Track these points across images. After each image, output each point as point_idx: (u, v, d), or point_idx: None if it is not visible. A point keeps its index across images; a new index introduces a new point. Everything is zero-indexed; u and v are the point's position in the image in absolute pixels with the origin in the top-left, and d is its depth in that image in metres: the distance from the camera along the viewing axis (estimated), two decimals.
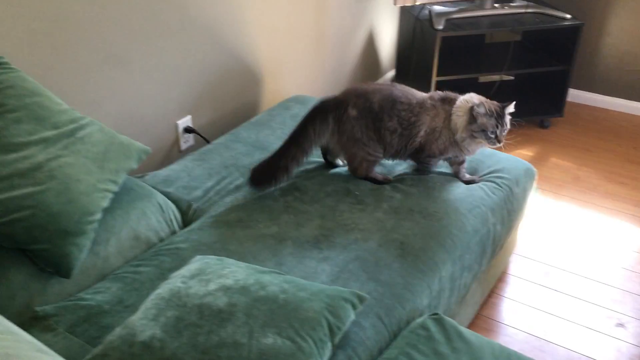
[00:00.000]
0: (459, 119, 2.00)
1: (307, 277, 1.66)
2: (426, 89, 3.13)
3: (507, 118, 2.00)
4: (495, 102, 2.00)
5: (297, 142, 2.00)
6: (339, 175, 2.14)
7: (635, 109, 3.72)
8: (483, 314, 2.27)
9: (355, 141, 2.05)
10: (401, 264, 1.74)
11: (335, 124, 2.04)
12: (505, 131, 1.99)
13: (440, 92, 2.09)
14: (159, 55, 2.24)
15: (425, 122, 2.04)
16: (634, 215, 2.80)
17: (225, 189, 2.06)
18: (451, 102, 2.04)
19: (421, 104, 2.05)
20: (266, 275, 1.49)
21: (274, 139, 2.35)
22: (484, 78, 3.87)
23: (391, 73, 3.96)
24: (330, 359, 1.40)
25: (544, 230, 2.71)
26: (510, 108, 2.00)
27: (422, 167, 2.15)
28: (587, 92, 3.84)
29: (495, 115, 1.95)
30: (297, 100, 2.69)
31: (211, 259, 1.56)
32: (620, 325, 2.21)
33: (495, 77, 3.79)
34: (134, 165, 1.79)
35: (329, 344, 1.37)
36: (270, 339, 1.29)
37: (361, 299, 1.51)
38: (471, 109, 1.96)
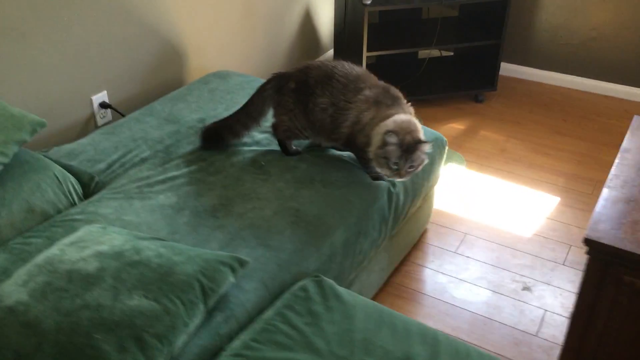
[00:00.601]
0: (376, 136, 1.87)
1: (198, 245, 1.68)
2: (359, 64, 3.15)
3: (419, 155, 1.85)
4: (414, 135, 1.84)
5: (246, 108, 2.13)
6: (249, 148, 2.16)
7: (568, 82, 3.78)
8: (395, 281, 2.32)
9: (288, 110, 2.07)
10: (293, 231, 1.77)
11: (276, 94, 2.09)
12: (414, 167, 1.86)
13: (383, 90, 1.99)
14: (65, 29, 2.22)
15: (354, 113, 1.96)
16: (553, 184, 2.87)
17: (131, 162, 2.07)
18: (384, 110, 1.93)
19: (358, 90, 1.96)
20: (146, 241, 1.51)
21: (188, 112, 2.36)
22: (423, 54, 3.90)
23: (331, 52, 3.97)
24: (205, 320, 1.43)
25: (463, 200, 2.76)
26: (426, 147, 1.86)
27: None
28: (522, 66, 3.89)
29: (404, 148, 1.81)
30: (218, 75, 2.70)
31: (94, 228, 1.57)
32: (527, 288, 2.28)
33: (435, 52, 3.83)
34: (27, 137, 1.79)
35: (201, 306, 1.39)
36: (135, 301, 1.31)
37: (242, 263, 1.54)
38: (384, 134, 1.82)
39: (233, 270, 1.50)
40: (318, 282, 1.57)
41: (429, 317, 2.16)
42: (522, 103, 3.63)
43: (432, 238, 2.54)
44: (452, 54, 4.01)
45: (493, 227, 2.60)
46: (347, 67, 2.04)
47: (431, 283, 2.31)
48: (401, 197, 2.07)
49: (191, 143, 2.17)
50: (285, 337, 1.40)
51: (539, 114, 3.52)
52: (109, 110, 2.51)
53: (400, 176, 1.85)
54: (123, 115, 2.51)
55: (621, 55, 3.56)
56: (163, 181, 1.96)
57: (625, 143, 1.97)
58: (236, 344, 1.39)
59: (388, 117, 1.89)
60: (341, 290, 1.56)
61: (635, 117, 2.12)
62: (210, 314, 1.46)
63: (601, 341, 1.66)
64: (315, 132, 2.07)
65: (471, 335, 2.09)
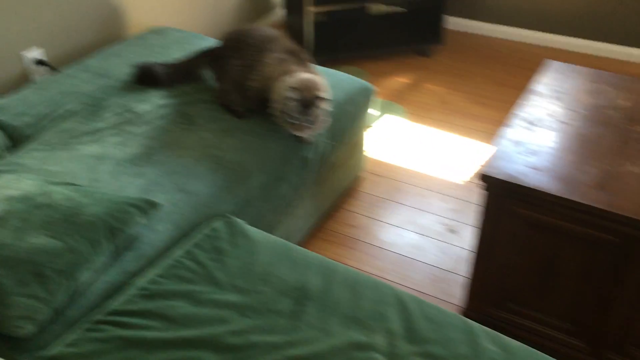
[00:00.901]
0: (278, 91, 1.94)
1: (117, 191, 1.74)
2: (308, 20, 3.18)
3: (318, 110, 1.90)
4: (314, 92, 1.89)
5: (187, 60, 2.27)
6: (178, 100, 2.20)
7: (514, 35, 3.84)
8: (326, 226, 2.40)
9: (219, 76, 2.14)
10: (211, 176, 1.84)
11: (213, 61, 2.20)
12: (313, 123, 1.91)
13: (293, 52, 2.06)
14: None
15: (262, 72, 2.03)
16: (488, 133, 2.96)
17: (60, 116, 2.11)
18: (290, 68, 1.99)
19: (267, 50, 2.04)
20: (58, 186, 1.57)
21: (122, 67, 2.39)
22: (376, 9, 3.92)
23: (280, 9, 3.98)
24: (114, 259, 1.50)
25: (400, 150, 2.84)
26: (325, 104, 1.91)
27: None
28: (470, 20, 3.94)
29: (303, 103, 1.87)
30: (156, 31, 2.71)
31: (11, 176, 1.63)
32: (452, 231, 2.38)
33: (384, 8, 3.85)
34: None
35: (107, 245, 1.47)
36: (38, 240, 1.38)
37: (153, 205, 1.61)
38: (286, 89, 1.89)
39: (143, 212, 1.57)
40: (228, 222, 1.65)
41: (356, 259, 2.26)
42: (468, 56, 3.69)
43: (366, 186, 2.62)
44: (405, 10, 4.03)
45: (426, 175, 2.68)
46: (261, 31, 2.12)
47: (361, 228, 2.40)
48: (325, 144, 2.13)
49: (122, 97, 2.21)
50: (189, 272, 1.48)
51: (483, 66, 3.58)
52: (45, 68, 2.52)
53: (300, 130, 1.90)
54: (58, 71, 2.53)
55: (565, 6, 3.61)
56: (89, 133, 2.01)
57: (535, 85, 2.05)
58: (142, 279, 1.47)
59: (292, 73, 1.96)
60: (249, 229, 1.64)
61: (548, 62, 2.20)
62: (120, 253, 1.53)
63: (503, 272, 1.77)
64: (236, 93, 2.12)
65: (394, 274, 2.19)
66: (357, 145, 2.50)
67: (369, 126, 3.03)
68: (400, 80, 3.45)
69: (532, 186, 1.58)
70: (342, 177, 2.44)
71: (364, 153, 2.61)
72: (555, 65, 2.16)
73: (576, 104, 1.93)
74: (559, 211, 1.59)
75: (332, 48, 3.51)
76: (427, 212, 2.48)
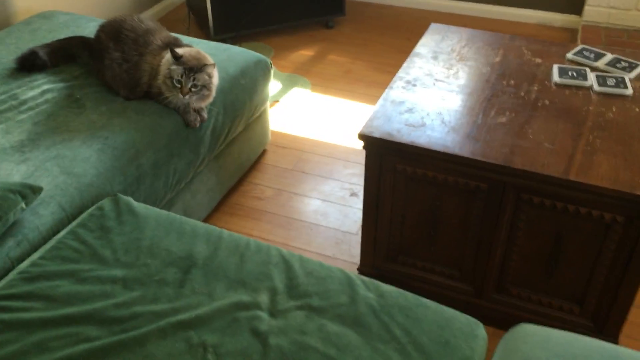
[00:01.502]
0: (164, 64, 1.96)
1: (1, 179, 1.70)
2: None
3: (204, 76, 1.91)
4: (201, 60, 1.92)
5: (63, 43, 2.26)
6: (66, 83, 2.15)
7: (415, 3, 3.94)
8: (232, 201, 2.43)
9: (103, 66, 2.10)
10: (99, 157, 1.82)
11: (88, 45, 2.21)
12: (197, 87, 1.91)
13: (174, 39, 2.08)
14: None
15: (147, 64, 2.02)
16: None
17: None
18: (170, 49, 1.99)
19: (148, 44, 2.03)
20: None
21: (5, 54, 2.31)
22: None
23: None
24: None
25: (304, 121, 2.89)
26: (211, 69, 1.93)
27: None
28: None
29: (187, 67, 1.88)
30: (43, 16, 2.63)
31: None
32: (354, 194, 2.46)
33: None
34: None
35: None
36: None
37: (34, 190, 1.58)
38: (171, 53, 1.90)
39: (24, 197, 1.55)
40: (115, 201, 1.65)
41: (262, 230, 2.29)
42: (371, 26, 3.76)
43: (270, 158, 2.66)
44: None
45: (329, 143, 2.74)
46: (137, 20, 2.10)
47: (267, 200, 2.44)
48: (220, 118, 2.15)
49: (5, 84, 2.14)
50: (73, 252, 1.47)
51: (386, 35, 3.66)
52: None
53: (184, 94, 1.90)
54: None
55: None
56: None
57: (417, 47, 2.12)
58: (24, 263, 1.45)
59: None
60: (138, 205, 1.64)
61: (432, 25, 2.28)
62: (1, 239, 1.51)
63: (390, 227, 1.85)
64: (117, 87, 2.09)
65: (298, 241, 2.24)
66: (260, 119, 2.52)
67: (276, 101, 3.06)
68: (304, 53, 3.48)
69: (407, 142, 1.66)
70: (245, 152, 2.46)
71: (269, 127, 2.64)
72: (437, 27, 2.25)
73: (452, 62, 2.02)
74: (434, 164, 1.67)
75: (234, 25, 3.50)
76: (330, 178, 2.55)
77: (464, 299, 1.86)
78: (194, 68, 1.89)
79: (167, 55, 1.95)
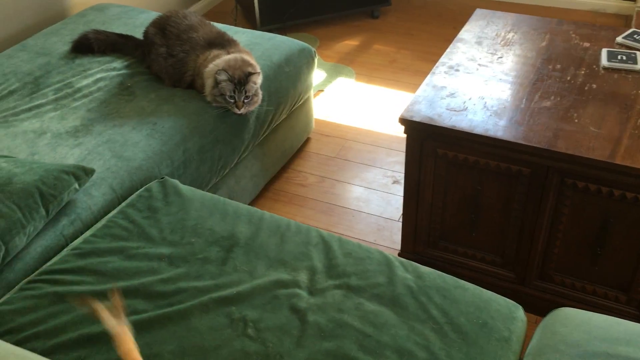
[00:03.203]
0: (207, 81, 2.03)
1: (55, 162, 1.79)
2: None
3: (252, 86, 1.98)
4: (244, 69, 1.98)
5: (119, 38, 2.37)
6: (117, 72, 2.24)
7: None
8: (275, 187, 2.47)
9: (156, 56, 2.19)
10: (148, 141, 1.89)
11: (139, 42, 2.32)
12: (249, 99, 1.98)
13: (217, 35, 2.15)
14: None
15: (191, 61, 2.12)
16: None
17: None
18: (215, 52, 2.09)
19: (191, 40, 2.12)
20: None
21: (61, 45, 2.42)
22: None
23: None
24: (50, 224, 1.56)
25: (348, 110, 2.90)
26: (257, 77, 2.00)
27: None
28: None
29: (236, 81, 1.94)
30: (97, 8, 2.73)
31: None
32: (396, 182, 2.46)
33: None
34: None
35: (41, 210, 1.52)
36: None
37: (87, 172, 1.66)
38: (215, 73, 1.96)
39: (77, 178, 1.62)
40: (162, 183, 1.71)
41: (304, 216, 2.33)
42: (416, 15, 3.73)
43: (314, 146, 2.69)
44: None
45: (373, 132, 2.75)
46: (181, 17, 2.18)
47: (309, 186, 2.47)
48: (264, 105, 2.19)
49: (61, 73, 2.24)
50: (123, 230, 1.54)
51: (431, 24, 3.63)
52: None
53: (239, 108, 1.98)
54: None
55: None
56: (29, 109, 2.05)
57: (461, 33, 2.11)
58: (77, 241, 1.53)
59: (217, 57, 2.05)
60: (183, 187, 1.70)
61: (477, 10, 2.26)
62: (56, 218, 1.59)
63: (431, 212, 1.85)
64: (163, 78, 2.18)
65: (339, 226, 2.27)
66: (304, 107, 2.55)
67: (320, 90, 3.09)
68: (349, 43, 3.49)
69: (448, 126, 1.65)
70: (289, 139, 2.50)
71: (312, 115, 2.66)
72: (482, 13, 2.22)
73: (496, 47, 2.00)
74: (475, 148, 1.66)
75: (280, 16, 3.54)
76: (373, 166, 2.56)
77: (506, 285, 1.84)
78: (242, 80, 1.95)
79: (211, 65, 2.01)
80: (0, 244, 1.42)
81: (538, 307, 1.81)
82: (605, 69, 1.85)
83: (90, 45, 2.33)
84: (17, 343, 1.25)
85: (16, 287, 1.41)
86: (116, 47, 2.35)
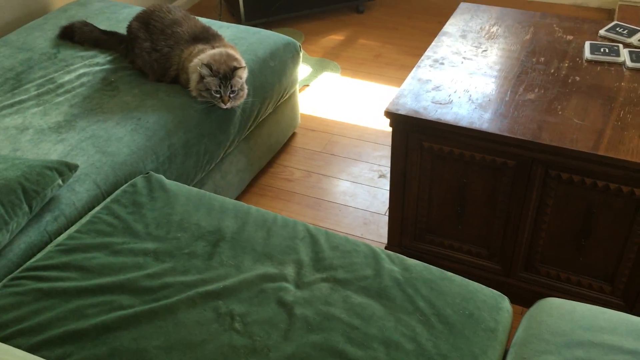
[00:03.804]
0: (192, 75, 2.01)
1: (38, 158, 1.77)
2: None
3: (237, 80, 1.97)
4: (229, 63, 1.96)
5: (104, 33, 2.35)
6: (100, 67, 2.21)
7: None
8: (261, 182, 2.47)
9: (140, 51, 2.17)
10: (132, 136, 1.87)
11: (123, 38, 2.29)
12: (235, 93, 1.97)
13: (202, 30, 2.13)
14: None
15: (176, 56, 2.10)
16: None
17: None
18: (199, 46, 2.07)
19: (176, 34, 2.11)
20: None
21: (43, 41, 2.39)
22: None
23: None
24: (33, 220, 1.54)
25: (334, 105, 2.90)
26: (242, 72, 1.99)
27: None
28: None
29: (221, 76, 1.93)
30: (80, 3, 2.70)
31: None
32: (382, 176, 2.46)
33: None
34: None
35: (24, 206, 1.50)
36: None
37: (70, 167, 1.64)
38: (200, 67, 1.94)
39: (60, 174, 1.61)
40: (147, 178, 1.70)
41: (290, 211, 2.32)
42: (402, 10, 3.74)
43: (300, 141, 2.68)
44: None
45: (358, 126, 2.75)
46: (165, 11, 2.17)
47: (296, 181, 2.47)
48: (249, 100, 2.18)
49: (43, 68, 2.21)
50: (107, 226, 1.52)
51: (417, 19, 3.64)
52: None
53: (225, 103, 1.96)
54: None
55: None
56: (11, 105, 2.02)
57: (446, 27, 2.11)
58: (61, 237, 1.51)
59: (202, 52, 2.03)
60: (169, 182, 1.69)
61: (461, 4, 2.26)
62: (39, 214, 1.57)
63: (418, 205, 1.85)
64: (147, 72, 2.16)
65: (326, 221, 2.27)
66: (289, 102, 2.55)
67: (306, 85, 3.08)
68: (335, 37, 3.49)
69: (433, 119, 1.66)
70: (275, 134, 2.49)
71: (298, 110, 2.66)
72: (466, 6, 2.23)
73: (480, 40, 2.01)
74: (460, 141, 1.67)
75: (264, 11, 3.52)
76: (359, 160, 2.56)
77: (492, 277, 1.85)
78: (228, 75, 1.93)
79: (195, 60, 2.00)
80: None
81: (524, 299, 1.83)
82: (588, 61, 1.86)
83: (72, 34, 2.34)
84: (1, 340, 1.23)
85: None
86: (98, 42, 2.33)
